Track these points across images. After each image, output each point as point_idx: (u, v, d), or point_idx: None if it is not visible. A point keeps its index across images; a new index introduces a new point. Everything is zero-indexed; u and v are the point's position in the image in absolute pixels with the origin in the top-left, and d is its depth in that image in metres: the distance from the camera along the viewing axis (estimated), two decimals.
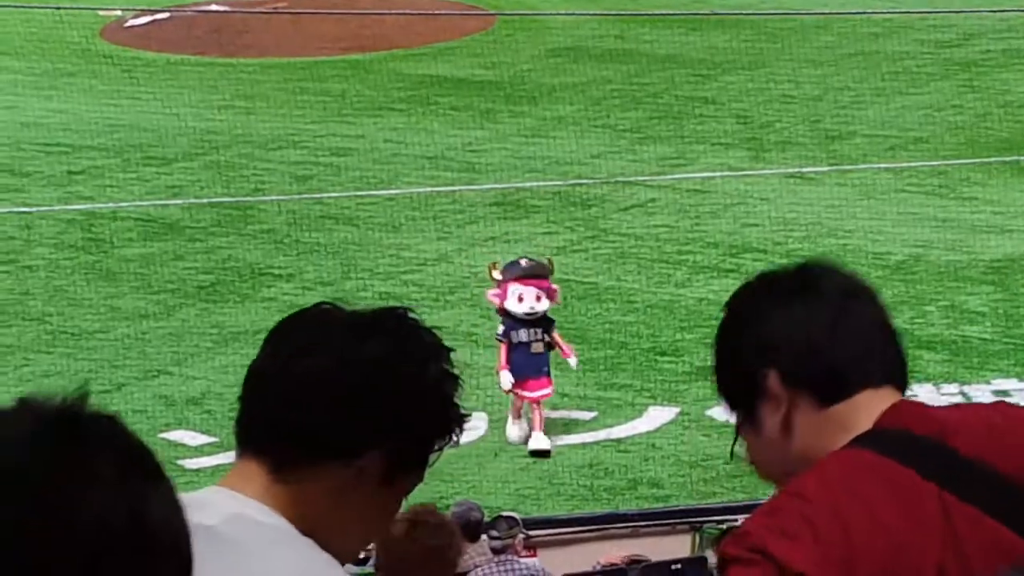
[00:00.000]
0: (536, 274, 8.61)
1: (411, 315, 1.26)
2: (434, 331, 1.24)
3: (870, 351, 1.29)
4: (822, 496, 1.15)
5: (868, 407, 1.24)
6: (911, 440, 1.24)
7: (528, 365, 8.33)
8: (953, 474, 1.20)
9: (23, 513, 0.52)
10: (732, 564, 1.15)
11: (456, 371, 1.20)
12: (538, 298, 8.44)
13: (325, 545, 1.10)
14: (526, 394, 8.32)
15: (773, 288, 1.37)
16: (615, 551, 6.63)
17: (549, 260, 8.98)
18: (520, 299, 8.38)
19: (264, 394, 1.16)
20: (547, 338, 8.49)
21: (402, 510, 1.44)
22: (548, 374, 8.44)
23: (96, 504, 0.53)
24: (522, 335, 8.36)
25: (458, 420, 1.18)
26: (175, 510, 0.59)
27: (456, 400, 1.18)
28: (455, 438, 1.19)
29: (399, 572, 3.10)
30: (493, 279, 8.62)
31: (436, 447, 1.18)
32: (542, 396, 8.38)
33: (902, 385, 1.34)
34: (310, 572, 1.11)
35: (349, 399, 1.12)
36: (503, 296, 8.43)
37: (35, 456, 0.54)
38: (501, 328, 8.46)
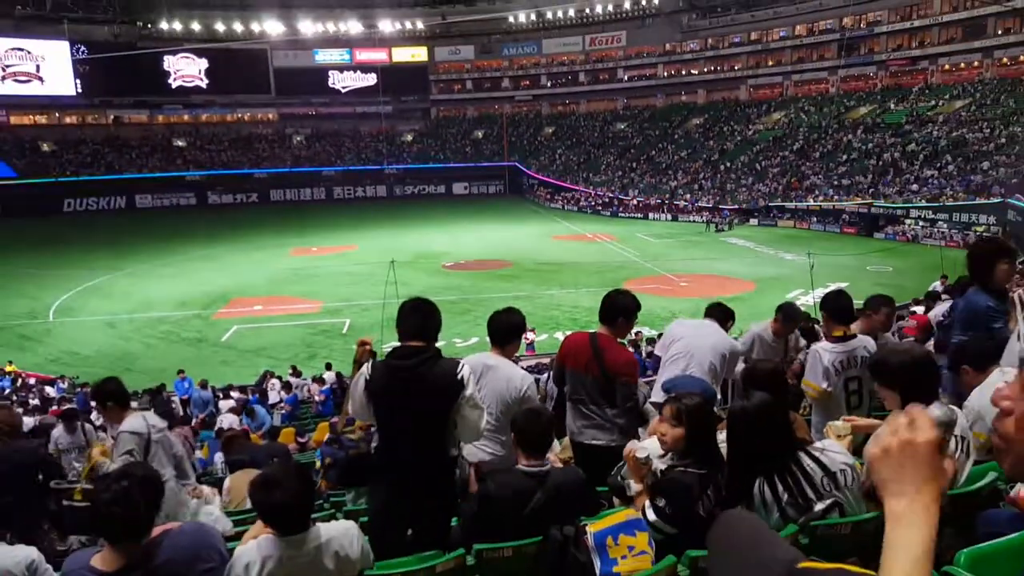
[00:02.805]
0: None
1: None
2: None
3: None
4: (566, 344, 4.06)
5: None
6: (592, 337, 3.87)
7: None
8: (593, 346, 3.82)
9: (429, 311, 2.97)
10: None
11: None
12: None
13: None
14: None
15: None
16: None
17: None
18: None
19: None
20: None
21: None
22: None
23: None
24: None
25: None
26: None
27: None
28: None
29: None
30: None
31: None
32: None
33: (609, 323, 3.80)
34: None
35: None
36: None
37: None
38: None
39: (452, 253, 33.23)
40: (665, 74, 60.71)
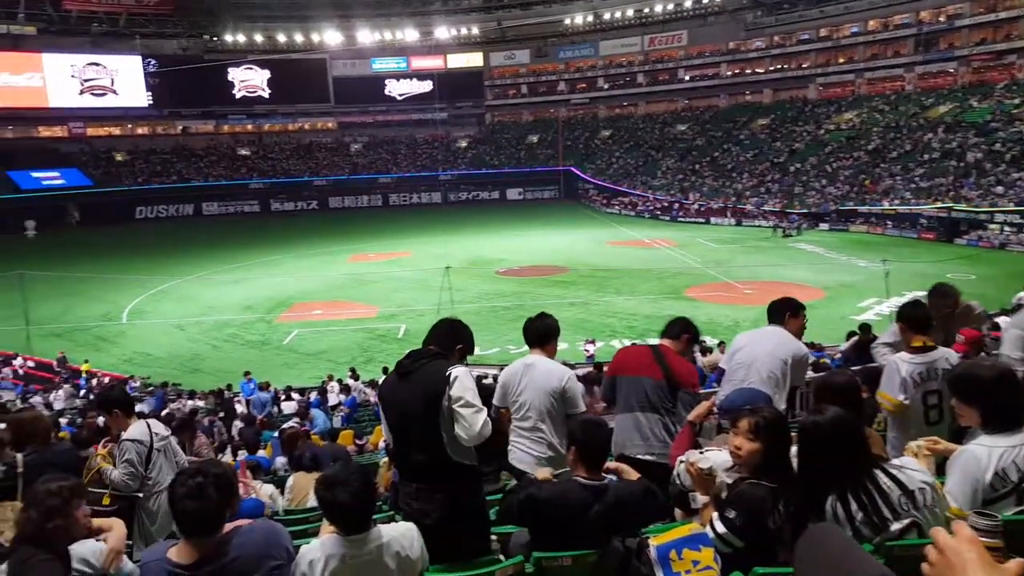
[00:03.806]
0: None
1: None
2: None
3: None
4: (620, 355, 4.28)
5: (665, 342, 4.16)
6: (653, 347, 4.11)
7: None
8: (656, 354, 3.98)
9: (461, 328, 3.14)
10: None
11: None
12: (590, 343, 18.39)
13: None
14: None
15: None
16: None
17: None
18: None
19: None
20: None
21: None
22: None
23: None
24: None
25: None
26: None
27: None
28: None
29: None
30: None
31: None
32: None
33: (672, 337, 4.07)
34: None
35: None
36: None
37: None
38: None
39: (506, 259, 33.68)
40: (729, 73, 59.52)
